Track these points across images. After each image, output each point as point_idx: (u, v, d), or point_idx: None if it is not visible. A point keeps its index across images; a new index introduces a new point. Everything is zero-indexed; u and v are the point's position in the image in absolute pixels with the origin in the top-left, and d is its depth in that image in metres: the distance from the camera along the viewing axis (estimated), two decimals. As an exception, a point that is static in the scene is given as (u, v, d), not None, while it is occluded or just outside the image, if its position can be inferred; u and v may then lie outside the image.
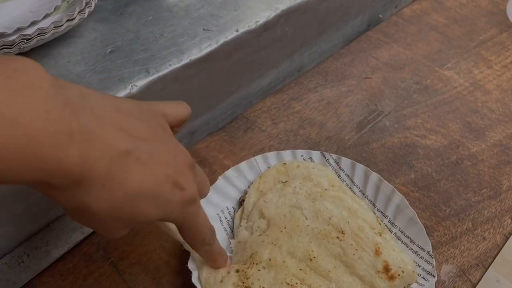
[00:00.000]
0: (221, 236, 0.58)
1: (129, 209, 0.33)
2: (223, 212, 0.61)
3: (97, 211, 0.32)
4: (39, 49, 0.61)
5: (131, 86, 0.60)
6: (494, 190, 0.69)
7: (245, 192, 0.63)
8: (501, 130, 0.78)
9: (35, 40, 0.57)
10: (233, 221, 0.61)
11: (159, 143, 0.37)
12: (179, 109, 0.45)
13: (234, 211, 0.62)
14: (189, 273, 0.53)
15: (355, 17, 0.98)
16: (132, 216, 0.34)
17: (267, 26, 0.74)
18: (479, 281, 0.59)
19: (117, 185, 0.32)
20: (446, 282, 0.58)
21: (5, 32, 0.56)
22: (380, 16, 1.06)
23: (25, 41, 0.56)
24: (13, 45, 0.56)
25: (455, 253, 0.61)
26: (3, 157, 0.25)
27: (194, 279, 0.52)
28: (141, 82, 0.61)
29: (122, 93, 0.60)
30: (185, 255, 0.54)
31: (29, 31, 0.56)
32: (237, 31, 0.69)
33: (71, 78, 0.60)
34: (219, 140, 0.74)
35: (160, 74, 0.62)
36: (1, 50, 0.55)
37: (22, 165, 0.26)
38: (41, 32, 0.57)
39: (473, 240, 0.63)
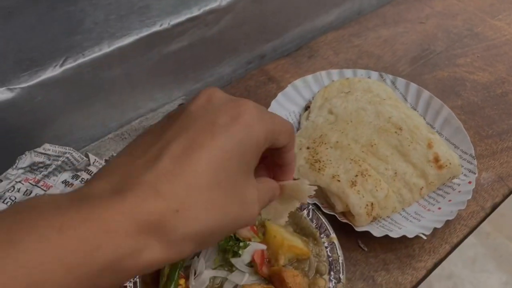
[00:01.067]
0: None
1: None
2: (290, 114, 0.71)
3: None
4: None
5: (221, 0, 0.70)
6: (535, 120, 0.76)
7: (310, 102, 0.72)
8: (546, 73, 0.84)
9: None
10: (298, 123, 0.71)
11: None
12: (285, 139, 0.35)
13: (300, 115, 0.71)
14: None
15: (412, -29, 1.05)
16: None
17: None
18: (516, 187, 0.66)
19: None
20: (485, 185, 0.66)
21: None
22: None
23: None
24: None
25: (495, 164, 0.69)
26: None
27: None
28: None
29: (213, 5, 0.69)
30: None
31: None
32: (310, -37, 0.78)
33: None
34: (285, 63, 0.83)
35: (243, -6, 0.72)
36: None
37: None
38: None
39: (513, 155, 0.70)
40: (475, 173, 0.63)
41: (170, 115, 0.32)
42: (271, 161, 0.38)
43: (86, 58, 0.59)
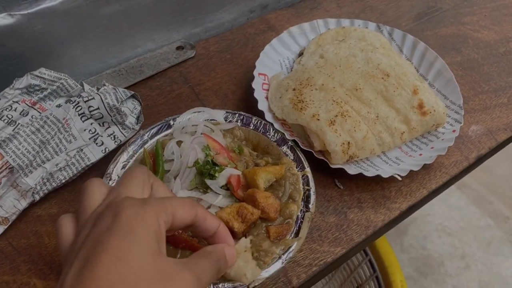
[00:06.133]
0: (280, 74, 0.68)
1: None
2: (284, 60, 0.72)
3: None
4: None
5: None
6: (536, 79, 0.74)
7: (304, 48, 0.73)
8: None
9: None
10: (292, 68, 0.72)
11: None
12: (185, 212, 0.36)
13: (293, 61, 0.72)
14: (254, 101, 0.63)
15: None
16: None
17: None
18: (504, 141, 0.66)
19: None
20: (473, 137, 0.66)
21: None
22: None
23: None
24: None
25: (485, 118, 0.69)
26: None
27: (261, 106, 0.62)
28: None
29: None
30: (250, 88, 0.65)
31: None
32: None
33: None
34: (287, 13, 0.84)
35: None
36: None
37: None
38: None
39: (506, 111, 0.69)
40: (460, 123, 0.63)
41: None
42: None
43: (84, -9, 0.62)
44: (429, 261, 1.64)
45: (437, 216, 1.76)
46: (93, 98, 0.56)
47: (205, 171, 0.53)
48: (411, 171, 0.58)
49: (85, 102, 0.56)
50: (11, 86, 0.58)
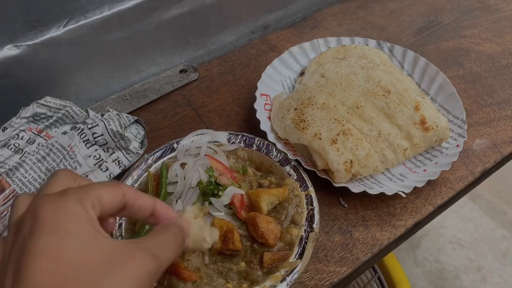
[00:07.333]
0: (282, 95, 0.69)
1: None
2: (285, 80, 0.73)
3: None
4: None
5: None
6: (540, 90, 0.74)
7: (305, 68, 0.74)
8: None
9: None
10: (293, 87, 0.72)
11: None
12: (110, 192, 0.34)
13: (295, 81, 0.73)
14: (257, 121, 0.63)
15: None
16: None
17: None
18: (509, 154, 0.65)
19: None
20: (477, 151, 0.66)
21: None
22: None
23: None
24: None
25: (490, 131, 0.68)
26: None
27: (263, 126, 0.62)
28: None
29: None
30: (253, 108, 0.65)
31: None
32: None
33: None
34: (288, 33, 0.85)
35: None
36: None
37: None
38: None
39: (510, 124, 0.69)
40: (464, 137, 0.63)
41: None
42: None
43: (88, 20, 0.63)
44: (444, 274, 1.61)
45: (450, 228, 1.74)
46: (97, 125, 0.57)
47: (208, 191, 0.53)
48: (415, 187, 0.58)
49: (89, 129, 0.57)
50: (18, 115, 0.59)
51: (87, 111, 0.63)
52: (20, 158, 0.57)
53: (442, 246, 1.73)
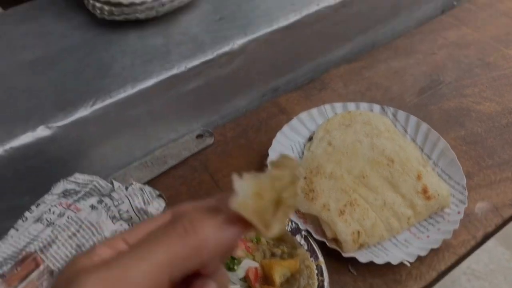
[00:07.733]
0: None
1: None
2: (295, 145, 0.77)
3: None
4: (168, 15, 0.81)
5: (233, 44, 0.78)
6: (539, 150, 0.77)
7: (314, 132, 0.78)
8: (556, 103, 0.85)
9: (167, 5, 0.78)
10: (302, 152, 0.77)
11: None
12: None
13: (304, 146, 0.78)
14: None
15: (428, 2, 1.09)
16: None
17: (344, 3, 0.89)
18: (510, 217, 0.69)
19: None
20: (479, 215, 0.69)
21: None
22: (455, 3, 1.15)
23: (161, 5, 0.77)
24: (152, 8, 0.77)
25: (491, 194, 0.72)
26: None
27: None
28: (240, 41, 0.79)
29: (226, 48, 0.78)
30: None
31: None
32: (318, 5, 0.85)
33: (190, 36, 0.79)
34: (297, 96, 0.90)
35: (254, 36, 0.80)
36: (143, 11, 0.77)
37: None
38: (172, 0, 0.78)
39: (510, 186, 0.72)
40: (465, 204, 0.66)
41: None
42: None
43: (113, 100, 0.69)
44: (459, 306, 1.61)
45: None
46: (123, 202, 0.62)
47: (225, 266, 0.58)
48: (419, 255, 0.61)
49: (115, 206, 0.62)
50: (50, 192, 0.64)
51: (112, 183, 0.68)
52: (51, 232, 0.62)
53: (456, 278, 1.73)
